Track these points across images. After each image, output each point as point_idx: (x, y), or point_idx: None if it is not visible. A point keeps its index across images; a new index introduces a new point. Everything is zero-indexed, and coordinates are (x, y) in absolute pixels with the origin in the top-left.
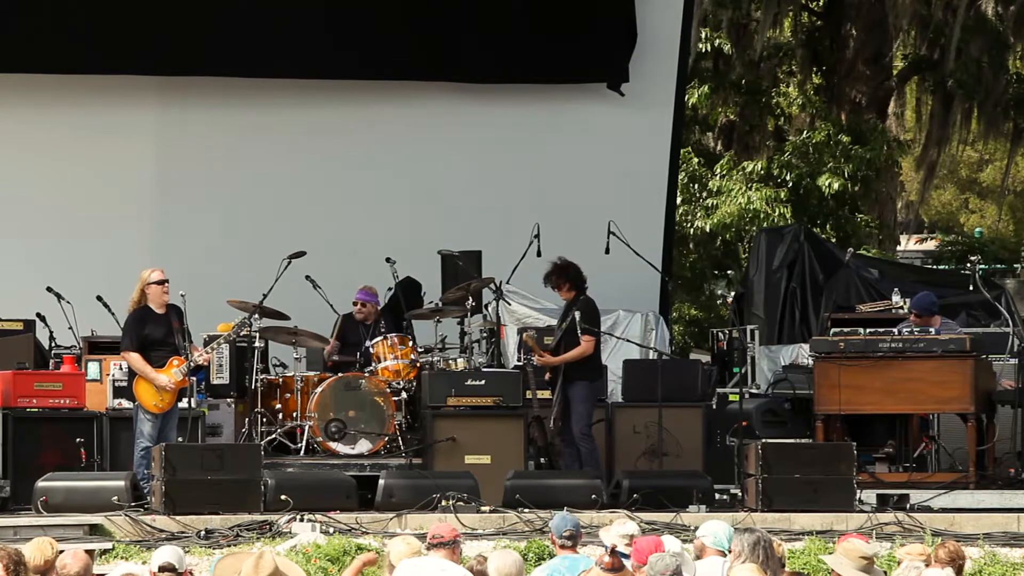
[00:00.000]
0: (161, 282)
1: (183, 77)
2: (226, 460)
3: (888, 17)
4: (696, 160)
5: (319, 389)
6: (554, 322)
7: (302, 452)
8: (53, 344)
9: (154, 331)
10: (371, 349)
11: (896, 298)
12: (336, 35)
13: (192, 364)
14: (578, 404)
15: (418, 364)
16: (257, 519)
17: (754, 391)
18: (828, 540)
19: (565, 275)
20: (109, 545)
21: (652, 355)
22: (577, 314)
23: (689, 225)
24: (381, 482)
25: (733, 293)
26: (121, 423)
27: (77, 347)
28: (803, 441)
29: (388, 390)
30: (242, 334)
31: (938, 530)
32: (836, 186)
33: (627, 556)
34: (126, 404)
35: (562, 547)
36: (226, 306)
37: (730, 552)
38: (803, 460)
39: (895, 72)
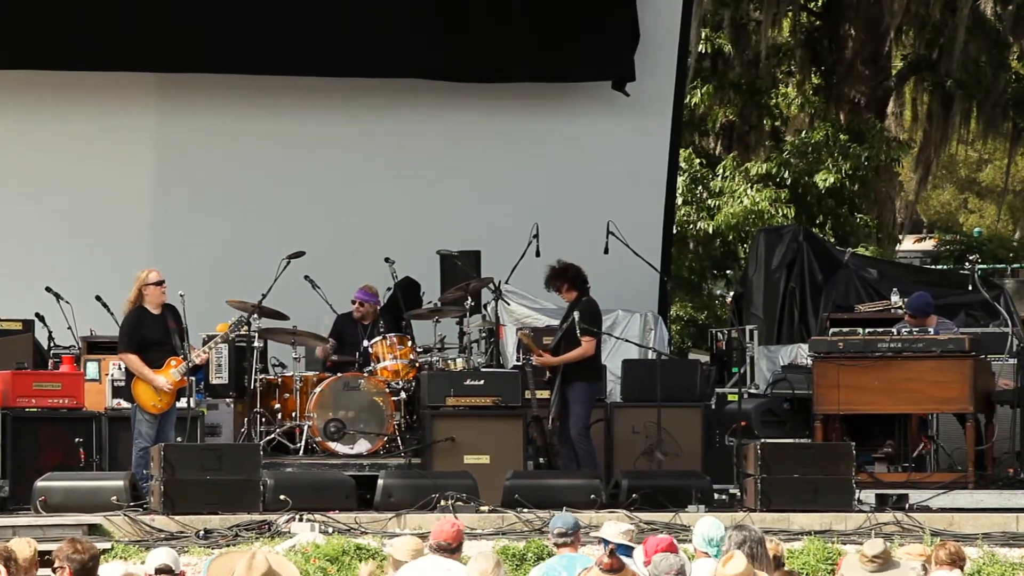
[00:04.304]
0: (159, 283)
1: (183, 75)
2: (225, 460)
3: (885, 17)
4: (698, 162)
5: (318, 389)
6: (553, 322)
7: (301, 452)
8: (52, 344)
9: (151, 332)
10: (370, 349)
11: (895, 298)
12: (336, 33)
13: (190, 364)
14: (576, 405)
15: (417, 364)
16: (256, 519)
17: (753, 391)
18: (827, 540)
19: (563, 277)
20: (108, 545)
21: (651, 355)
22: (576, 314)
23: (692, 227)
24: (380, 482)
25: (732, 293)
26: (120, 423)
27: (76, 347)
28: (802, 441)
29: (387, 390)
30: (239, 333)
31: (937, 530)
32: (832, 180)
33: (628, 554)
34: (125, 404)
35: (556, 545)
36: (225, 306)
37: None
38: (802, 460)
39: (894, 72)
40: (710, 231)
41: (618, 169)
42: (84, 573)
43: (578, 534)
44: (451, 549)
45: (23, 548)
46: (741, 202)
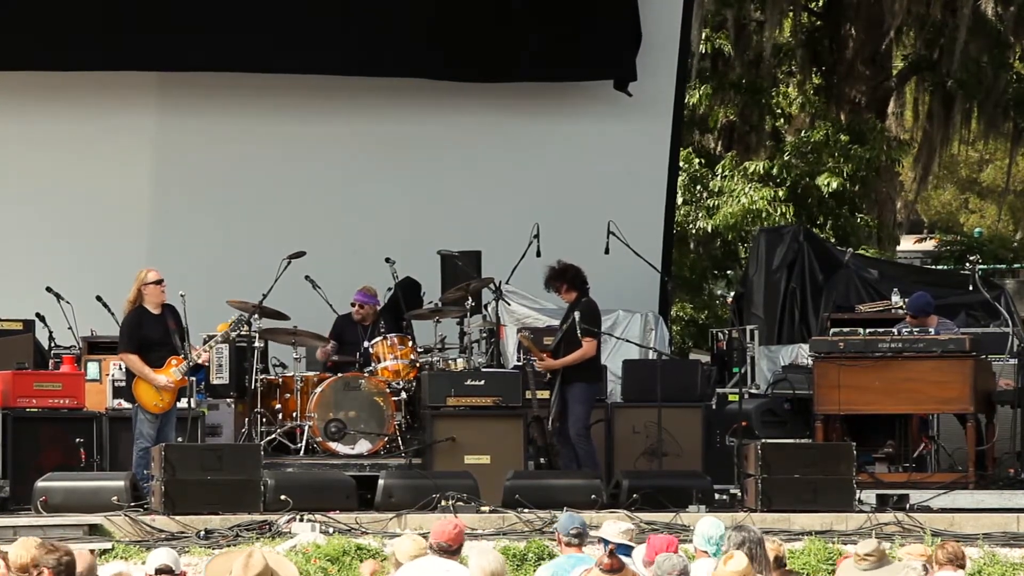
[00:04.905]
0: (158, 282)
1: (183, 75)
2: (226, 460)
3: (886, 17)
4: (697, 161)
5: (319, 389)
6: (553, 322)
7: (302, 452)
8: (53, 344)
9: (152, 332)
10: (371, 349)
11: (895, 298)
12: (336, 33)
13: (191, 364)
14: (576, 405)
15: (418, 364)
16: (257, 519)
17: (754, 391)
18: (828, 540)
19: (562, 278)
20: (108, 545)
21: (652, 355)
22: (577, 315)
23: (692, 226)
24: (381, 482)
25: (733, 293)
26: (120, 423)
27: (77, 347)
28: (803, 441)
29: (388, 390)
30: (240, 332)
31: (938, 530)
32: (835, 185)
33: (627, 553)
34: (125, 404)
35: (568, 545)
36: (226, 306)
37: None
38: (803, 460)
39: (895, 72)
40: (708, 230)
41: (618, 169)
42: (63, 570)
43: (587, 534)
44: (451, 551)
45: (19, 553)
46: (739, 201)
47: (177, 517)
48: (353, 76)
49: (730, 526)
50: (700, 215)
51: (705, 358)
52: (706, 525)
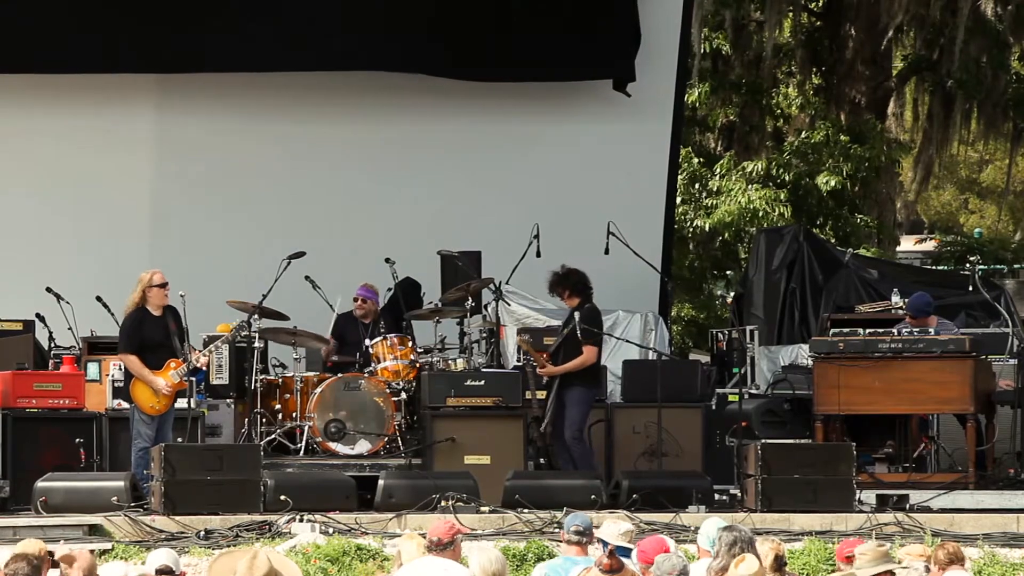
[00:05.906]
0: (163, 285)
1: (183, 75)
2: (226, 460)
3: (885, 17)
4: (696, 160)
5: (318, 389)
6: (553, 322)
7: (301, 452)
8: (52, 344)
9: (152, 333)
10: (370, 349)
11: (895, 298)
12: (336, 31)
13: (190, 366)
14: (571, 408)
15: (417, 364)
16: (257, 519)
17: (754, 391)
18: (827, 541)
19: (565, 283)
20: (108, 545)
21: (651, 355)
22: (577, 315)
23: (689, 225)
24: (380, 482)
25: (732, 293)
26: (120, 423)
27: (76, 347)
28: (802, 441)
29: (388, 390)
30: (241, 336)
31: (938, 530)
32: (833, 183)
33: (627, 555)
34: (125, 404)
35: (570, 543)
36: (226, 306)
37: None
38: (802, 460)
39: (894, 72)
40: (706, 228)
41: (618, 169)
42: None
43: (591, 536)
44: (442, 545)
45: (32, 549)
46: (736, 200)
47: (177, 517)
48: (353, 74)
49: (722, 527)
50: (698, 214)
51: (705, 358)
52: (711, 526)
